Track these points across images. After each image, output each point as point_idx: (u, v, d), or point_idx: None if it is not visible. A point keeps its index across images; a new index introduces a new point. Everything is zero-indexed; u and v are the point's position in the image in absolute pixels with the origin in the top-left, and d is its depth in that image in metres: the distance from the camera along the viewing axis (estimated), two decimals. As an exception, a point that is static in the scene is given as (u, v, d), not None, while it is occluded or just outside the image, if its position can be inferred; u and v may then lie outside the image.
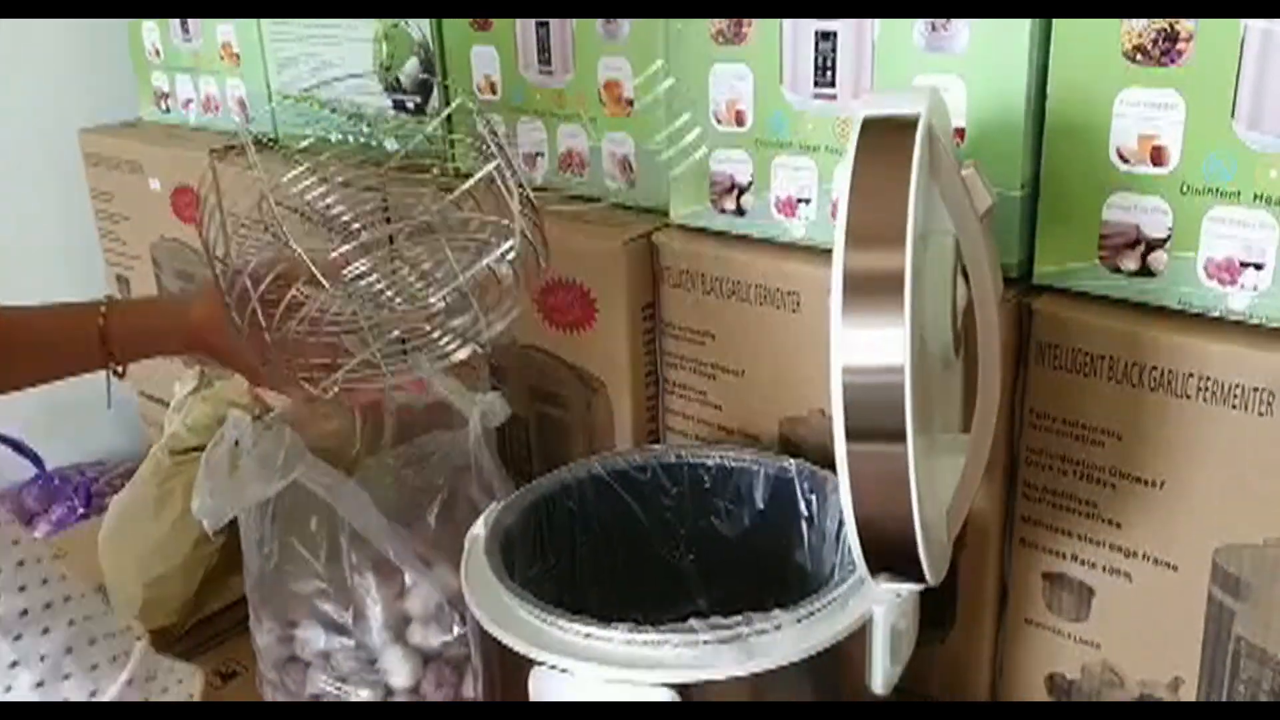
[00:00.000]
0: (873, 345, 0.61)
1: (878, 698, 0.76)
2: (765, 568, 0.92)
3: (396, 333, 0.88)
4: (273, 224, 0.86)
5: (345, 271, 0.85)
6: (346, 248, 0.86)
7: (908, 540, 0.64)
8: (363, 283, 0.87)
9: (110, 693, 0.66)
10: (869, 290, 0.61)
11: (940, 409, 0.75)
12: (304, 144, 0.95)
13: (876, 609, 0.73)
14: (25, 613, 0.64)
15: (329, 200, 0.93)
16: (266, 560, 0.96)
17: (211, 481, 0.89)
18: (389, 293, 0.89)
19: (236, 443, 0.92)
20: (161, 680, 0.71)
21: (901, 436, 0.61)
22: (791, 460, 0.90)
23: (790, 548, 0.90)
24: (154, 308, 1.06)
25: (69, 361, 0.95)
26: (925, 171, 0.64)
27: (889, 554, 0.66)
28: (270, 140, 1.39)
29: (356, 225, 0.95)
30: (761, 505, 0.91)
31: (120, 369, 0.94)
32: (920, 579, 0.68)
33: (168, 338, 0.98)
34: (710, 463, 0.93)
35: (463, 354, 0.89)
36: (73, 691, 0.64)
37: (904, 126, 0.64)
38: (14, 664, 0.63)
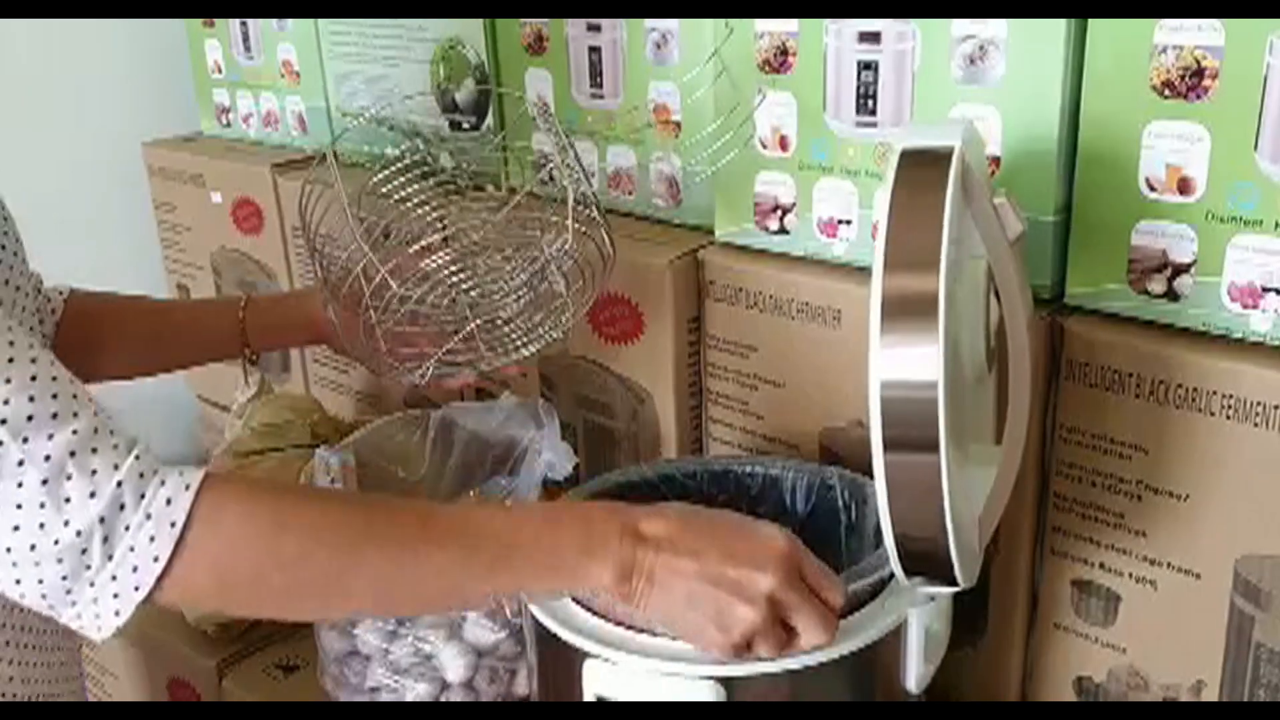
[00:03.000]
0: (909, 362, 0.65)
1: (911, 696, 0.80)
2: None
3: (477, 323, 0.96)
4: (344, 232, 0.93)
5: (416, 271, 0.94)
6: (429, 240, 0.94)
7: (940, 544, 0.68)
8: (441, 276, 0.95)
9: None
10: (905, 311, 0.65)
11: (974, 421, 0.79)
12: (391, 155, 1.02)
13: (911, 611, 0.77)
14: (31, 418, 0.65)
15: (407, 205, 1.00)
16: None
17: None
18: (465, 287, 0.97)
19: (332, 481, 1.01)
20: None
21: (935, 447, 0.65)
22: (833, 469, 0.94)
23: (831, 552, 0.94)
24: (283, 304, 1.16)
25: (210, 349, 1.10)
26: (960, 200, 0.68)
27: (923, 557, 0.70)
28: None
29: (439, 225, 1.01)
30: (803, 512, 0.95)
31: (254, 357, 1.08)
32: (952, 581, 0.72)
33: (295, 331, 1.10)
34: (756, 471, 0.97)
35: (533, 348, 0.97)
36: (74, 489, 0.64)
37: (940, 158, 0.67)
38: (20, 463, 0.64)
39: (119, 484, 0.65)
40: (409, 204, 0.99)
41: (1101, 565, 0.88)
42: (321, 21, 1.37)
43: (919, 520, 0.67)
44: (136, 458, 0.66)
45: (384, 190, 0.98)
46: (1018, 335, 0.73)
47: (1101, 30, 0.80)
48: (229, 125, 1.58)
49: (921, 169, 0.68)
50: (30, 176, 1.61)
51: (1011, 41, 0.83)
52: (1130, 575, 0.87)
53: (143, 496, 0.65)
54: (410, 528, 0.70)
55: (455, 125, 1.26)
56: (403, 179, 0.98)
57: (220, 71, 1.56)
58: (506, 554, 0.71)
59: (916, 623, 0.77)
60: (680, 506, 0.76)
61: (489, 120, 1.23)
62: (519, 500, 0.95)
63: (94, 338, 1.02)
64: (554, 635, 0.78)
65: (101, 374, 1.06)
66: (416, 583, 0.70)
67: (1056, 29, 0.81)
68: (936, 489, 0.66)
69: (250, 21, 1.47)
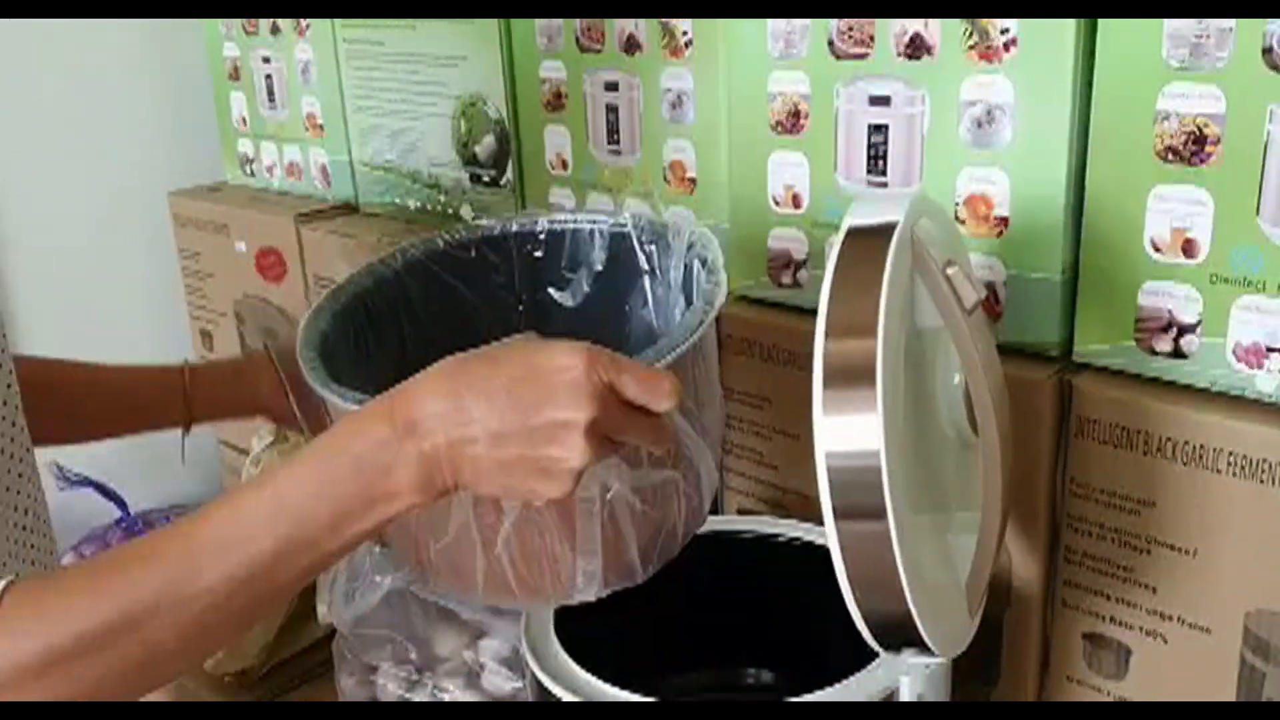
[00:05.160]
0: (851, 431, 0.65)
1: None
2: (609, 329, 0.90)
3: None
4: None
5: None
6: None
7: (903, 612, 0.67)
8: None
9: None
10: (845, 380, 0.66)
11: (959, 486, 0.79)
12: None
13: (903, 679, 0.76)
14: None
15: None
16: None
17: (331, 597, 1.00)
18: None
19: None
20: None
21: (883, 514, 0.65)
22: (628, 214, 0.89)
23: (634, 305, 0.89)
24: (229, 375, 1.11)
25: (145, 418, 1.05)
26: (905, 272, 0.69)
27: (891, 627, 0.69)
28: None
29: None
30: (600, 267, 0.90)
31: (189, 428, 1.05)
32: (929, 650, 0.70)
33: (239, 405, 1.08)
34: (539, 229, 0.89)
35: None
36: None
37: (883, 232, 0.68)
38: None
39: None
40: None
41: (1112, 619, 0.89)
42: (345, 76, 1.40)
43: (878, 587, 0.66)
44: None
45: None
46: (982, 402, 0.73)
47: (1105, 96, 0.82)
48: (253, 175, 1.61)
49: (864, 244, 0.69)
50: (57, 226, 1.64)
51: (1019, 106, 0.85)
52: (1140, 629, 0.88)
53: None
54: (176, 562, 0.62)
55: (475, 179, 1.29)
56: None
57: (245, 124, 1.59)
58: (295, 535, 0.63)
59: (908, 691, 0.76)
60: (448, 362, 0.66)
61: (509, 174, 1.26)
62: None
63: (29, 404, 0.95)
64: (548, 691, 0.79)
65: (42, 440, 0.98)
66: (214, 610, 0.63)
67: (1062, 95, 0.83)
68: (890, 556, 0.65)
69: (275, 75, 1.51)
